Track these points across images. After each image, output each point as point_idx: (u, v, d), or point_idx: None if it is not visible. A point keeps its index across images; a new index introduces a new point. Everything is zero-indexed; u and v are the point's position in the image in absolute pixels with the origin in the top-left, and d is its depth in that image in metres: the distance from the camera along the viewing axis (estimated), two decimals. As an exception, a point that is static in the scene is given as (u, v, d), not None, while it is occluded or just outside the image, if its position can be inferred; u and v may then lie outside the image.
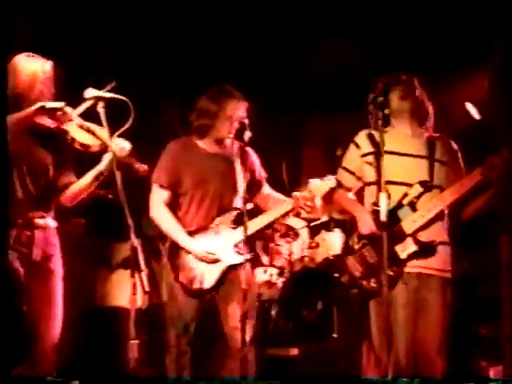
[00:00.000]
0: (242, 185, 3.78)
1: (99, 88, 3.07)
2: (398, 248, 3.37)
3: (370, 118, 3.50)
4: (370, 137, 3.52)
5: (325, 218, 5.17)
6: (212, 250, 3.71)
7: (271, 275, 5.21)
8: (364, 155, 3.52)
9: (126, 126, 2.99)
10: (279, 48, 5.54)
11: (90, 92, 3.03)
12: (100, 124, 3.05)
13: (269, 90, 5.67)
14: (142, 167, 3.18)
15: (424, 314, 3.39)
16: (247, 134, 3.64)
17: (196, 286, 3.70)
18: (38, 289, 3.14)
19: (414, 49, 5.19)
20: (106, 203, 3.35)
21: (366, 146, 3.51)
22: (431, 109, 3.56)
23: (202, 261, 3.71)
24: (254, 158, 3.95)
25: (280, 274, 5.24)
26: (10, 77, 3.12)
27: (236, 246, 3.76)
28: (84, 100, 3.07)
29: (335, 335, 4.74)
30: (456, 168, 3.52)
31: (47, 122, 3.15)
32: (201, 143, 3.82)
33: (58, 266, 3.23)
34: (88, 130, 3.15)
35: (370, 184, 3.50)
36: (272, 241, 5.43)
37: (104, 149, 3.19)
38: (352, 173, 3.59)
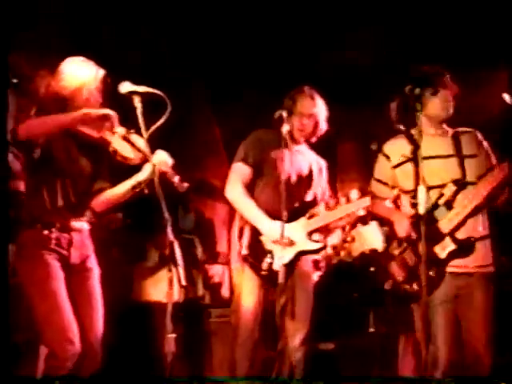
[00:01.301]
0: (317, 182, 3.92)
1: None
2: (437, 248, 3.35)
3: (396, 116, 3.48)
4: (399, 145, 3.49)
5: (361, 212, 5.12)
6: (287, 232, 3.68)
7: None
8: (395, 166, 3.52)
9: (162, 121, 2.95)
10: (309, 43, 5.52)
11: (125, 86, 3.00)
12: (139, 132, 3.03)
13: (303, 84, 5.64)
14: (182, 185, 3.15)
15: (468, 311, 3.35)
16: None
17: (265, 266, 3.68)
18: (79, 290, 3.15)
19: (438, 42, 5.13)
20: (142, 198, 3.34)
21: (396, 156, 3.51)
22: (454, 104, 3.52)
23: (275, 242, 3.69)
24: (325, 172, 4.03)
25: (316, 268, 5.20)
26: (58, 77, 3.13)
27: (310, 233, 3.77)
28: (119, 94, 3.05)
29: (372, 329, 4.69)
30: (484, 158, 3.48)
31: (91, 131, 3.15)
32: (283, 136, 3.85)
33: (94, 265, 3.25)
34: (131, 143, 3.14)
35: (406, 192, 3.49)
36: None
37: (144, 160, 3.18)
38: (385, 183, 3.60)
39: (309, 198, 3.93)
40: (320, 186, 3.98)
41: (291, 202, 3.78)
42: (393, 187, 3.57)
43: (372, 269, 4.71)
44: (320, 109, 3.89)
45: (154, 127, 2.96)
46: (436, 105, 3.44)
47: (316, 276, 5.15)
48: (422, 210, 3.06)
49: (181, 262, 2.81)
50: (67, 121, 3.05)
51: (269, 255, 3.69)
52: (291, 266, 3.74)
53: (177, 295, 2.94)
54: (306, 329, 3.74)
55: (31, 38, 4.22)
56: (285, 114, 3.68)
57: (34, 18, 4.30)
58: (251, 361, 3.71)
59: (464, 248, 3.34)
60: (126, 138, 3.15)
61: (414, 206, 3.23)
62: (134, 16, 5.00)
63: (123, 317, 4.84)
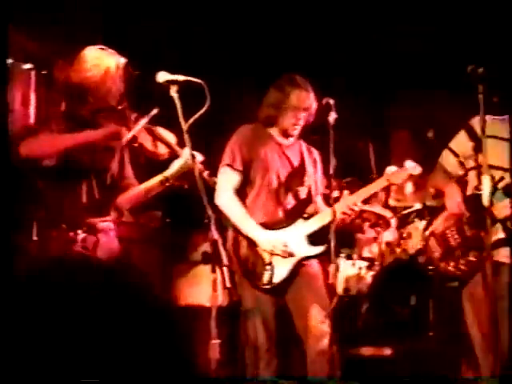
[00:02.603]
0: (311, 175, 3.83)
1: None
2: (484, 233, 3.27)
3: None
4: (481, 122, 3.44)
5: (418, 206, 5.06)
6: (283, 242, 3.66)
7: (360, 268, 5.12)
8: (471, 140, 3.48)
9: (202, 111, 2.93)
10: (362, 28, 5.50)
11: (162, 76, 2.99)
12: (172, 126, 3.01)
13: (353, 71, 5.62)
14: (213, 180, 3.14)
15: None
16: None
17: (265, 280, 3.64)
18: None
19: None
20: (182, 194, 3.34)
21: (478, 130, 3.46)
22: None
23: (272, 253, 3.66)
24: (319, 163, 3.93)
25: (369, 267, 5.14)
26: (79, 67, 3.11)
27: (309, 236, 3.71)
28: (156, 84, 3.04)
29: (431, 333, 4.63)
30: None
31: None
32: (271, 131, 3.83)
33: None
34: (158, 138, 3.12)
35: (472, 169, 3.47)
36: (361, 231, 5.35)
37: (173, 155, 3.17)
38: (456, 155, 3.57)
39: (303, 195, 3.83)
40: (314, 179, 3.87)
41: (285, 205, 3.75)
42: (461, 163, 3.54)
43: (431, 267, 4.65)
44: (313, 100, 3.76)
45: (193, 118, 2.93)
46: None
47: (369, 276, 5.11)
48: (486, 201, 3.02)
49: (225, 262, 2.79)
50: (71, 143, 3.03)
51: (268, 267, 3.64)
52: (293, 275, 3.69)
53: (221, 298, 2.93)
54: (328, 330, 3.60)
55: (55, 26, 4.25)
56: (332, 101, 3.62)
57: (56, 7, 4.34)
58: (274, 369, 3.68)
59: None
60: (152, 132, 3.14)
61: (478, 197, 3.20)
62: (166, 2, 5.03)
63: (162, 321, 4.87)
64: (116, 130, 3.06)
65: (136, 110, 3.17)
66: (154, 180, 3.28)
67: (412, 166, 3.79)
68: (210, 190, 3.34)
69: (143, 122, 3.12)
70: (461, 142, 3.56)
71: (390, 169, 3.79)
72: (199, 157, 3.15)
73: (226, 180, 3.70)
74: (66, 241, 3.08)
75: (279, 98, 3.74)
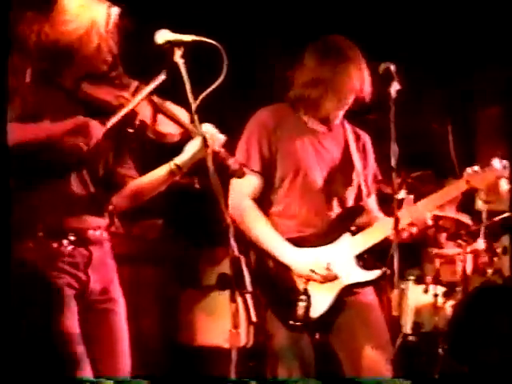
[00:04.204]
0: (360, 170, 3.86)
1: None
2: None
3: None
4: None
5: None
6: (324, 263, 3.68)
7: (435, 296, 5.13)
8: None
9: (218, 83, 2.94)
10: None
11: (164, 35, 3.02)
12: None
13: (426, 27, 5.66)
14: (240, 169, 3.11)
15: None
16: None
17: (299, 314, 3.65)
18: (98, 328, 3.18)
19: None
20: (191, 196, 3.37)
21: None
22: None
23: (308, 279, 3.68)
24: (370, 150, 3.97)
25: (449, 295, 5.15)
26: (56, 20, 3.10)
27: (359, 257, 3.74)
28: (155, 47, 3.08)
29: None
30: None
31: (108, 96, 3.12)
32: (304, 116, 3.85)
33: (118, 294, 3.25)
34: (166, 114, 3.14)
35: None
36: (436, 245, 5.35)
37: (185, 139, 3.19)
38: None
39: (351, 199, 3.88)
40: (364, 176, 3.91)
41: (326, 215, 3.79)
42: None
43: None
44: (367, 78, 3.74)
45: (205, 93, 2.93)
46: None
47: (448, 307, 5.12)
48: None
49: (250, 288, 2.80)
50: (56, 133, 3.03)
51: (302, 297, 3.66)
52: (339, 306, 3.72)
53: (244, 337, 2.94)
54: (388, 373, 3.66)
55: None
56: (393, 67, 3.59)
57: None
58: None
59: None
60: (158, 107, 3.16)
61: None
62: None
63: (167, 366, 4.92)
64: (84, 121, 3.03)
65: (133, 77, 3.18)
66: (162, 170, 3.29)
67: (502, 166, 3.80)
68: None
69: (147, 90, 3.13)
70: None
71: (473, 169, 3.79)
72: (221, 137, 3.13)
73: (241, 185, 3.71)
74: (47, 256, 3.09)
75: (320, 75, 3.74)
